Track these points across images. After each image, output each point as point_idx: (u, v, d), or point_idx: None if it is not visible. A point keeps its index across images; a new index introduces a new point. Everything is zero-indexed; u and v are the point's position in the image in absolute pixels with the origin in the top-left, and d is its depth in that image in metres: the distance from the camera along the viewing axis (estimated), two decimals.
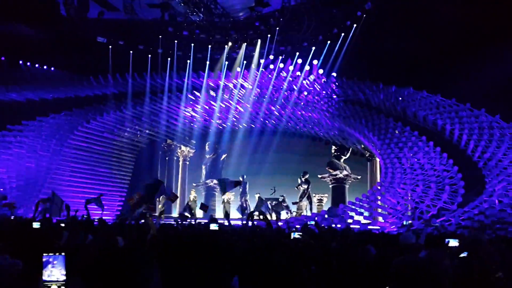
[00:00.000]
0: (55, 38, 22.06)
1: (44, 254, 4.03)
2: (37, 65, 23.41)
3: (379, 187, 17.51)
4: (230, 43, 22.83)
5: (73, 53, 22.09)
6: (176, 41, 22.81)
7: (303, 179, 21.81)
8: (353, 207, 16.54)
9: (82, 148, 21.97)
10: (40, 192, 18.20)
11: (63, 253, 3.91)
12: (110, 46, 22.75)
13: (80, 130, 21.91)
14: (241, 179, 22.50)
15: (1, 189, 17.92)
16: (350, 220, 15.25)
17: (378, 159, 20.72)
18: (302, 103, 22.11)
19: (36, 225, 8.78)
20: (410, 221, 13.71)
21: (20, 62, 22.87)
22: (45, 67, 23.60)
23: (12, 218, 12.33)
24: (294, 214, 20.45)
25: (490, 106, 18.03)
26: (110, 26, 23.53)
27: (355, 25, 20.86)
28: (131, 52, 22.86)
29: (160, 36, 22.81)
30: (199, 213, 20.38)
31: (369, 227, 14.12)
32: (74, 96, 23.11)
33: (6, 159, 19.49)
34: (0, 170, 19.10)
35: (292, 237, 7.93)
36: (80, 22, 23.06)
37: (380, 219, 16.48)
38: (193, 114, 23.89)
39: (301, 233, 8.12)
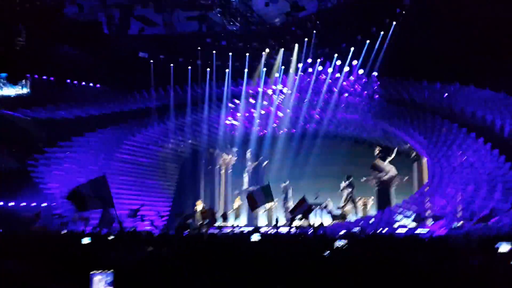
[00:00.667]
0: (99, 56, 22.99)
1: (92, 272, 4.09)
2: (83, 83, 24.40)
3: (427, 188, 16.95)
4: (267, 50, 22.91)
5: (117, 70, 22.96)
6: (214, 52, 23.14)
7: (347, 182, 21.43)
8: (400, 209, 16.10)
9: (128, 161, 22.69)
10: None
11: (111, 270, 3.98)
12: (151, 61, 23.39)
13: (126, 144, 22.67)
14: (284, 184, 22.38)
15: (54, 203, 18.71)
16: (396, 224, 14.86)
17: (425, 159, 20.06)
18: (343, 105, 21.85)
19: (86, 240, 9.10)
20: (461, 222, 13.18)
21: (68, 81, 23.91)
22: (91, 84, 24.56)
23: (64, 232, 12.86)
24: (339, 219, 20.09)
25: None
26: (151, 41, 24.27)
27: (394, 23, 20.41)
28: (171, 65, 23.40)
29: (199, 48, 23.24)
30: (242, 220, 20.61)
31: (417, 230, 13.71)
32: (120, 111, 23.88)
33: (58, 175, 20.41)
34: (53, 185, 19.99)
35: (335, 246, 7.77)
36: (122, 39, 23.94)
37: (429, 221, 15.93)
38: (233, 122, 24.16)
39: (345, 241, 7.95)
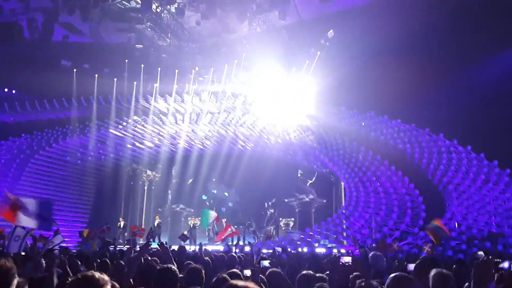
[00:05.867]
0: (18, 60, 21.62)
1: None
2: None
3: (343, 211, 17.85)
4: (197, 68, 22.97)
5: (36, 76, 21.66)
6: (142, 65, 22.75)
7: (270, 203, 21.94)
8: (319, 230, 16.77)
9: (43, 173, 21.38)
10: None
11: None
12: (74, 70, 22.44)
13: (42, 154, 21.37)
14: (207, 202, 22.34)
15: None
16: (316, 244, 15.45)
17: (343, 183, 21.14)
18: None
19: None
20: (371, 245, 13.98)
21: None
22: (6, 89, 22.99)
23: None
24: (261, 239, 20.44)
25: (448, 132, 18.87)
26: (75, 50, 23.30)
27: (318, 52, 21.49)
28: (96, 75, 22.59)
29: (126, 60, 22.71)
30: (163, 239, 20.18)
31: (335, 250, 14.35)
32: (36, 119, 22.55)
33: None
34: None
35: (261, 266, 7.90)
36: (44, 45, 22.71)
37: (345, 243, 16.74)
38: (159, 138, 23.73)
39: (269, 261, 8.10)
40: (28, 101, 22.88)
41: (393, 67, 18.60)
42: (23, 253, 9.69)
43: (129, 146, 23.40)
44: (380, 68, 18.96)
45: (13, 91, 23.09)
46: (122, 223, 20.84)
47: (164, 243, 9.11)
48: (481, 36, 17.78)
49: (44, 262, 7.42)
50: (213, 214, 16.23)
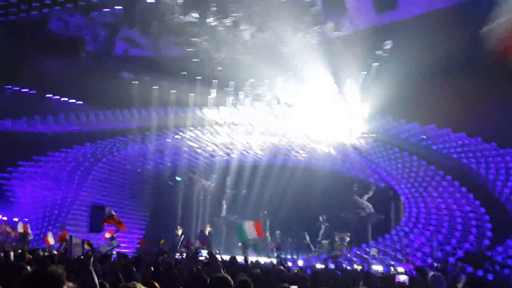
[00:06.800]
0: (83, 73, 22.80)
1: None
2: (64, 98, 24.08)
3: (403, 227, 17.09)
4: (251, 80, 23.09)
5: (100, 88, 22.72)
6: (198, 77, 23.22)
7: (324, 217, 21.44)
8: (376, 247, 16.13)
9: (105, 180, 22.27)
10: (64, 223, 18.48)
11: None
12: (135, 82, 23.31)
13: (104, 163, 22.27)
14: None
15: (26, 219, 18.04)
16: (373, 261, 14.86)
17: (402, 198, 20.29)
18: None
19: None
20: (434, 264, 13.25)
21: (49, 95, 23.56)
22: (72, 100, 24.25)
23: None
24: (315, 253, 19.99)
25: None
26: (135, 62, 24.23)
27: (375, 64, 20.91)
28: (155, 87, 23.33)
29: (183, 73, 23.28)
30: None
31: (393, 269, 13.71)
32: (99, 129, 23.57)
33: (32, 190, 19.83)
34: (25, 200, 19.41)
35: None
36: (107, 58, 23.82)
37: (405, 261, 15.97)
38: (214, 148, 24.05)
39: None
40: (92, 112, 24.01)
41: (458, 78, 17.72)
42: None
43: (185, 155, 23.88)
44: (443, 79, 18.11)
45: (79, 102, 24.30)
46: (180, 231, 21.05)
47: (216, 252, 9.09)
48: None
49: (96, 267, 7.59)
50: (248, 224, 15.04)
